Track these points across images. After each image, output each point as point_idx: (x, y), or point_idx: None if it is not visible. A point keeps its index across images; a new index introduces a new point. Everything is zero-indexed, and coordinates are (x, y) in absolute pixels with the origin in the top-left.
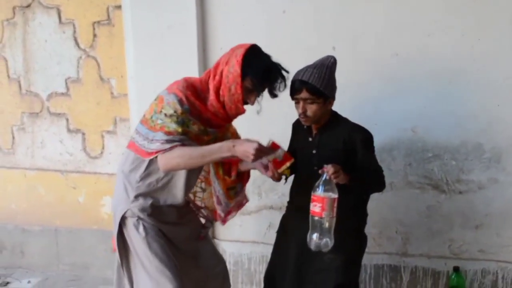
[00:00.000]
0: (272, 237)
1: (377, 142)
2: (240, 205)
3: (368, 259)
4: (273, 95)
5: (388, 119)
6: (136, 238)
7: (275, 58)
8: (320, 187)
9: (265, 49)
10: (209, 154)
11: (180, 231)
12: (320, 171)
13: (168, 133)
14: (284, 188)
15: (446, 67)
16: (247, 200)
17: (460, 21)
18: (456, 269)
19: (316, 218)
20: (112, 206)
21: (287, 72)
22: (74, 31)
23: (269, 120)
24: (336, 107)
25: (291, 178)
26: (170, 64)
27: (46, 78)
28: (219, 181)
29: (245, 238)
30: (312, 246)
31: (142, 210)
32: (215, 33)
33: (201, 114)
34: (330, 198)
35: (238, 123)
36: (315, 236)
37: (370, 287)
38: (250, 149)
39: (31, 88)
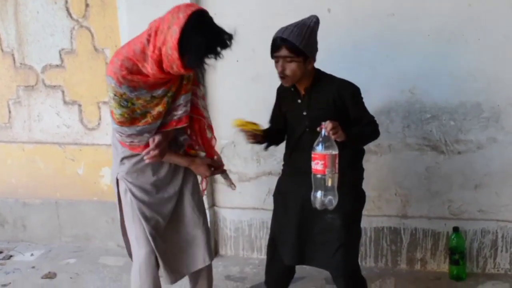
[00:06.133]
0: (271, 203)
1: (375, 104)
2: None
3: (368, 222)
4: (217, 58)
5: (385, 80)
6: (125, 201)
7: (219, 22)
8: (320, 144)
9: (259, 13)
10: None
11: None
12: (318, 129)
13: (120, 123)
14: (282, 154)
15: (444, 26)
16: None
17: None
18: (455, 230)
19: (319, 176)
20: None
21: (230, 36)
22: (66, 1)
23: (266, 86)
24: (332, 69)
25: (282, 145)
26: None
27: (40, 50)
28: None
29: (245, 205)
30: (317, 205)
31: (127, 172)
32: None
33: (145, 83)
34: (331, 155)
35: (235, 90)
36: (319, 194)
37: (370, 249)
38: (206, 173)
39: (25, 61)
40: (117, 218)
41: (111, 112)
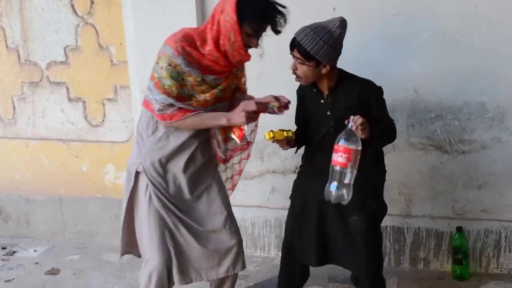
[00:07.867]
0: (275, 201)
1: None
2: (235, 150)
3: None
4: (276, 31)
5: (390, 79)
6: (142, 198)
7: None
8: (345, 137)
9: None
10: (210, 122)
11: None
12: (345, 122)
13: (166, 93)
14: (286, 152)
15: (449, 26)
16: (247, 144)
17: None
18: (459, 229)
19: (338, 168)
20: (128, 163)
21: (284, 7)
22: None
23: (271, 84)
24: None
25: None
26: (169, 29)
27: (44, 47)
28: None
29: (248, 202)
30: (332, 198)
31: (152, 165)
32: None
33: (199, 62)
34: (356, 149)
35: None
36: (333, 186)
37: None
38: (242, 118)
39: (30, 57)
40: (121, 214)
41: (157, 84)
